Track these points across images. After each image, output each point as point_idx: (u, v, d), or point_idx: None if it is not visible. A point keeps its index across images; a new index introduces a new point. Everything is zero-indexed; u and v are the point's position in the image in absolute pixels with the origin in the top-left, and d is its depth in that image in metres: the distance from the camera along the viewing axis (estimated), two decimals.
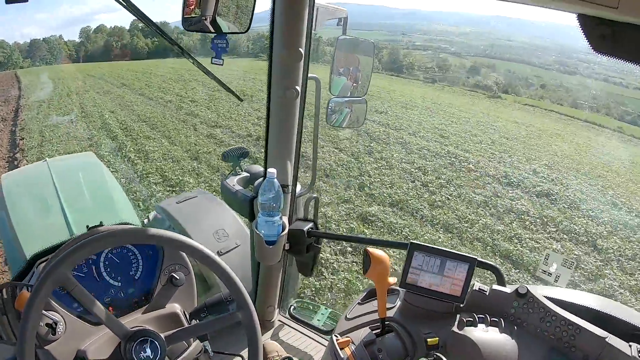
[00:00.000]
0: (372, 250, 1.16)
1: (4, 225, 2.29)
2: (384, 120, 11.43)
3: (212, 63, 1.31)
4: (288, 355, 1.76)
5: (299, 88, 1.44)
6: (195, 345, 1.14)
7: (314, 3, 1.40)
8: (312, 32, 1.44)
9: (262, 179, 1.73)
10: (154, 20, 1.22)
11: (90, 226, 1.27)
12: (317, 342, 1.94)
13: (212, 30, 1.28)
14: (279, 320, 2.04)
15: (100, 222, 1.28)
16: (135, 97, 15.06)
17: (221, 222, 2.23)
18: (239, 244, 2.17)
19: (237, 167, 1.85)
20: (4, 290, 1.16)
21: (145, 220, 2.55)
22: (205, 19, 1.29)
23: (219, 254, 2.13)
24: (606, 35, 0.48)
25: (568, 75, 23.00)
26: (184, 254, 1.26)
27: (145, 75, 21.61)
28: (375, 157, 8.22)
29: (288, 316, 2.07)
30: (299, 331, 2.01)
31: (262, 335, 1.95)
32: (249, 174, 1.83)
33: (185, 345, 1.12)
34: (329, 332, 1.96)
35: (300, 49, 1.39)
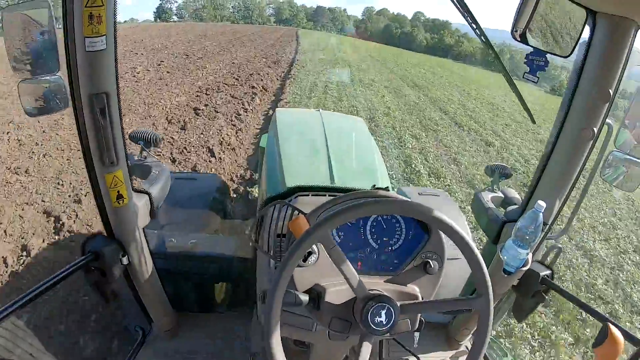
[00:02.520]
0: (614, 328, 1.03)
1: (271, 151, 2.51)
2: None
3: (523, 77, 1.29)
4: None
5: (596, 129, 1.32)
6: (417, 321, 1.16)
7: (634, 43, 1.23)
8: (624, 75, 1.28)
9: (515, 206, 1.65)
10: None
11: (376, 186, 1.37)
12: None
13: (534, 45, 1.25)
14: (465, 347, 1.97)
15: (387, 187, 1.36)
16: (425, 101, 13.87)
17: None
18: (459, 257, 2.12)
19: (496, 185, 1.81)
20: (275, 207, 1.29)
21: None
22: (530, 33, 1.26)
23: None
24: None
25: None
26: (446, 247, 1.25)
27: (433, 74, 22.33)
28: None
29: None
30: None
31: (445, 352, 1.93)
32: (503, 196, 1.77)
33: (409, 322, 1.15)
34: None
35: (609, 89, 1.26)
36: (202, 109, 8.09)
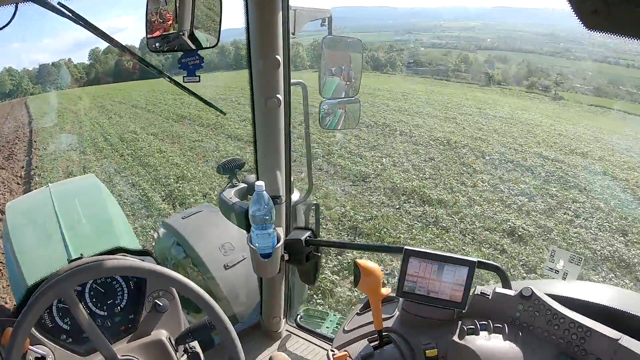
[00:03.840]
0: (362, 262, 1.12)
1: (8, 256, 2.29)
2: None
3: (184, 82, 1.26)
4: None
5: (280, 96, 1.40)
6: None
7: (288, 7, 1.35)
8: (290, 37, 1.40)
9: None
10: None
11: (70, 259, 1.25)
12: (326, 350, 1.89)
13: (186, 47, 1.23)
14: (286, 331, 1.99)
15: (80, 255, 1.27)
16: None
17: (227, 235, 2.23)
18: (245, 256, 2.16)
19: (234, 179, 1.82)
20: None
21: (153, 240, 2.56)
22: (184, 35, 1.25)
23: (226, 267, 2.14)
24: (599, 10, 0.41)
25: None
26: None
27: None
28: None
29: (295, 326, 2.02)
30: (307, 340, 1.95)
31: (270, 346, 1.92)
32: (246, 185, 1.79)
33: None
34: None
35: (277, 56, 1.35)
36: None
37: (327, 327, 2.19)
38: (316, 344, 1.92)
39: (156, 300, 1.20)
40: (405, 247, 1.18)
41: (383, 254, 3.89)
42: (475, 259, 1.11)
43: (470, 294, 1.11)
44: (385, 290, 1.12)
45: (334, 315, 2.29)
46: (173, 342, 1.18)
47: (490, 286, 1.14)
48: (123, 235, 2.35)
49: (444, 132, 10.37)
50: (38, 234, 2.39)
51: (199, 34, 1.26)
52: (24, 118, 19.56)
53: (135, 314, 1.22)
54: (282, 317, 1.93)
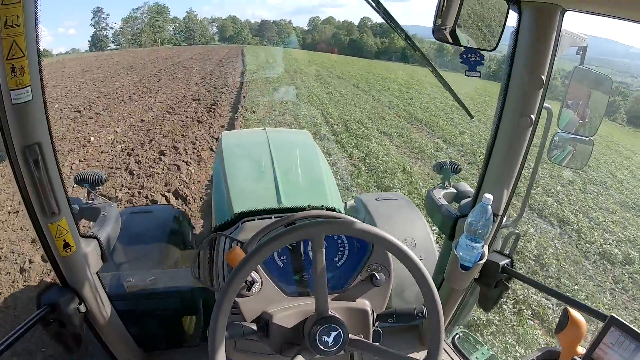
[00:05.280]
0: (574, 312, 1.08)
1: (218, 177, 2.46)
2: None
3: (466, 75, 1.30)
4: None
5: (533, 116, 1.35)
6: None
7: (561, 27, 1.28)
8: (555, 58, 1.32)
9: (469, 199, 1.69)
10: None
11: (311, 206, 1.38)
12: None
13: (461, 43, 1.27)
14: None
15: (322, 206, 1.38)
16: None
17: (412, 230, 2.22)
18: (423, 257, 2.11)
19: (447, 181, 1.84)
20: (214, 239, 1.30)
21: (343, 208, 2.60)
22: (445, 30, 1.28)
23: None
24: None
25: None
26: (390, 256, 1.27)
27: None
28: None
29: (450, 343, 2.01)
30: None
31: (419, 352, 1.93)
32: (455, 191, 1.81)
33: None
34: None
35: (542, 75, 1.30)
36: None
37: (476, 358, 2.11)
38: None
39: (374, 272, 1.22)
40: (612, 314, 1.08)
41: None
42: None
43: None
44: (581, 350, 1.07)
45: (488, 350, 2.19)
46: (375, 316, 1.23)
47: None
48: (332, 197, 2.31)
49: None
50: (251, 168, 2.47)
51: (479, 33, 1.27)
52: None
53: (348, 277, 1.25)
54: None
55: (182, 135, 7.98)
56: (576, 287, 4.10)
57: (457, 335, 2.03)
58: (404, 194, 5.01)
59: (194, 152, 6.91)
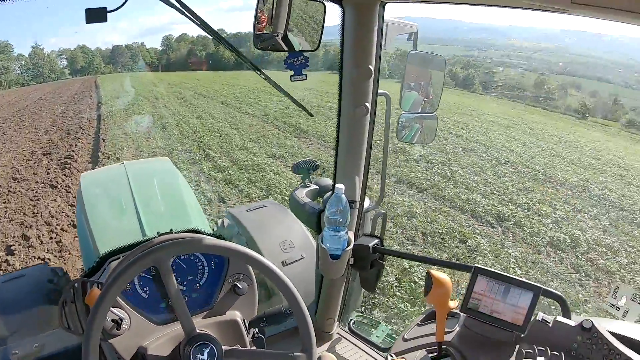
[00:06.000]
0: (435, 272, 1.16)
1: (80, 222, 2.41)
2: None
3: (292, 80, 1.34)
4: None
5: (368, 105, 1.44)
6: None
7: (383, 19, 1.39)
8: (382, 48, 1.43)
9: (330, 192, 1.73)
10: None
11: (160, 232, 1.34)
12: (374, 358, 1.92)
13: (285, 48, 1.30)
14: (337, 333, 2.03)
15: (171, 230, 1.36)
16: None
17: (288, 233, 2.28)
18: (304, 256, 2.21)
19: (307, 180, 1.88)
20: (75, 285, 1.25)
21: (215, 227, 2.63)
22: (277, 36, 1.30)
23: (284, 264, 2.18)
24: None
25: None
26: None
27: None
28: None
29: (347, 330, 2.06)
30: (356, 345, 1.99)
31: (320, 346, 1.96)
32: (318, 187, 1.85)
33: None
34: (386, 350, 1.92)
35: (370, 66, 1.39)
36: None
37: (377, 336, 2.20)
38: (365, 351, 1.95)
39: (236, 283, 1.25)
40: (476, 265, 1.21)
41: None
42: (541, 286, 1.13)
43: (531, 320, 1.13)
44: (453, 304, 1.16)
45: (385, 325, 2.30)
46: (247, 324, 1.25)
47: (551, 315, 1.15)
48: (196, 218, 2.40)
49: None
50: (112, 206, 2.46)
51: (293, 37, 1.31)
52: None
53: (213, 293, 1.27)
54: (336, 319, 1.98)
55: (33, 213, 6.04)
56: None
57: (352, 321, 2.10)
58: None
59: (51, 240, 5.17)
